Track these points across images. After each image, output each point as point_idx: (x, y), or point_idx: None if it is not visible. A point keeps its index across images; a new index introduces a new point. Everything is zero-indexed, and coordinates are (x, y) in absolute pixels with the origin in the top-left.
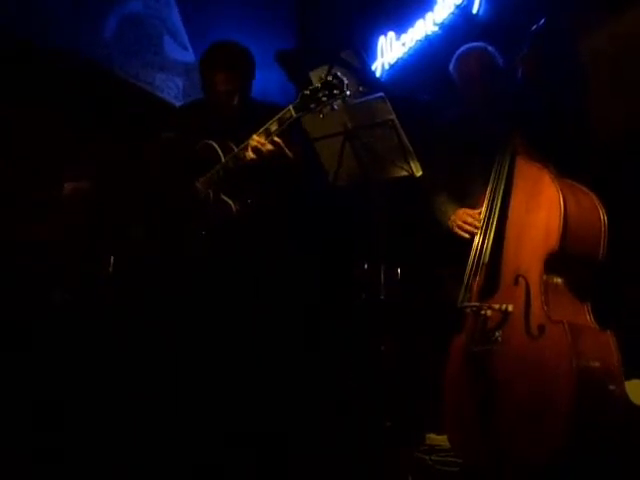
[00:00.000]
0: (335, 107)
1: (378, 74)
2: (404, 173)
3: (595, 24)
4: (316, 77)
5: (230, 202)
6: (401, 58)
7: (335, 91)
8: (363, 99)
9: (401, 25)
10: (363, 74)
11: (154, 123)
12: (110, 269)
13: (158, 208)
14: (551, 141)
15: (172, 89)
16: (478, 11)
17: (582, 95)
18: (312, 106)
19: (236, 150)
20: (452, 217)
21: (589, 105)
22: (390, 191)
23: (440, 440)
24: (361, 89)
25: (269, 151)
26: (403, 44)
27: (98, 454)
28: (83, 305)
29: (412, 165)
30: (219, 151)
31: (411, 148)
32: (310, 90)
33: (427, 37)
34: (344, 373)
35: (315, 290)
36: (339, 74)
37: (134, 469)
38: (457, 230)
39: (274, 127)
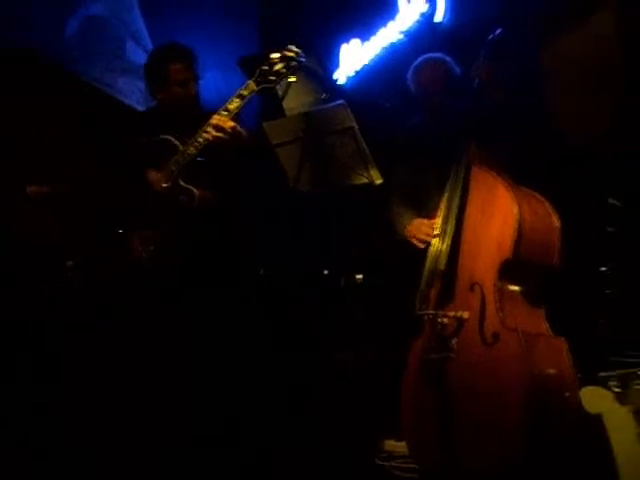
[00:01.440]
0: (294, 80)
1: (343, 81)
2: (364, 180)
3: (558, 30)
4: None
5: (192, 189)
6: (366, 65)
7: (292, 62)
8: (323, 106)
9: (366, 32)
10: (326, 81)
11: (116, 126)
12: (70, 274)
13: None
14: (508, 149)
15: (134, 93)
16: (442, 19)
17: (545, 101)
18: (271, 78)
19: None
20: (408, 227)
21: (554, 111)
22: (352, 197)
23: (399, 447)
24: (324, 96)
25: (231, 128)
26: (368, 51)
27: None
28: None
29: (372, 173)
30: (176, 142)
31: (370, 156)
32: (268, 64)
33: (392, 45)
34: (304, 378)
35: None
36: (295, 46)
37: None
38: (412, 240)
39: (235, 104)
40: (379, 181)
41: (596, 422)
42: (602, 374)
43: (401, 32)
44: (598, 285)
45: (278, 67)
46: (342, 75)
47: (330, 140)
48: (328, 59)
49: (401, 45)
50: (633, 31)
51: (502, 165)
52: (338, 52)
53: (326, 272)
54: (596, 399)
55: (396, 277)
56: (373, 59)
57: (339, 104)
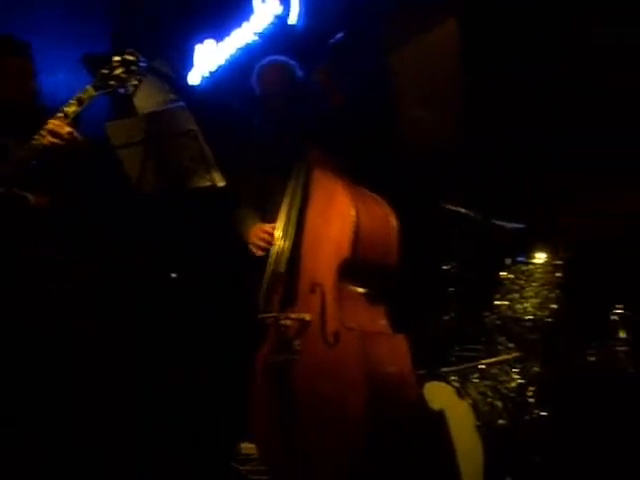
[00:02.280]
0: (135, 83)
1: (197, 81)
2: (207, 183)
3: (405, 37)
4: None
5: (27, 195)
6: (222, 66)
7: (132, 67)
8: (164, 107)
9: (220, 33)
10: (176, 82)
11: None
12: None
13: None
14: (348, 152)
15: None
16: (296, 22)
17: (390, 107)
18: (111, 83)
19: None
20: (248, 232)
21: (397, 117)
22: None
23: (254, 449)
24: (172, 97)
25: (68, 133)
26: (222, 52)
27: None
28: None
29: (214, 175)
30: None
31: (212, 159)
32: (108, 68)
33: (247, 46)
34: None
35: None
36: (134, 51)
37: None
38: (252, 247)
39: (72, 108)
40: (221, 184)
41: (439, 417)
42: (444, 369)
43: (255, 33)
44: (441, 283)
45: (118, 71)
46: (196, 76)
47: (171, 142)
48: (182, 59)
49: (256, 46)
50: (475, 39)
51: (342, 167)
52: (192, 52)
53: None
54: (438, 394)
55: (244, 280)
56: (228, 60)
57: (179, 106)
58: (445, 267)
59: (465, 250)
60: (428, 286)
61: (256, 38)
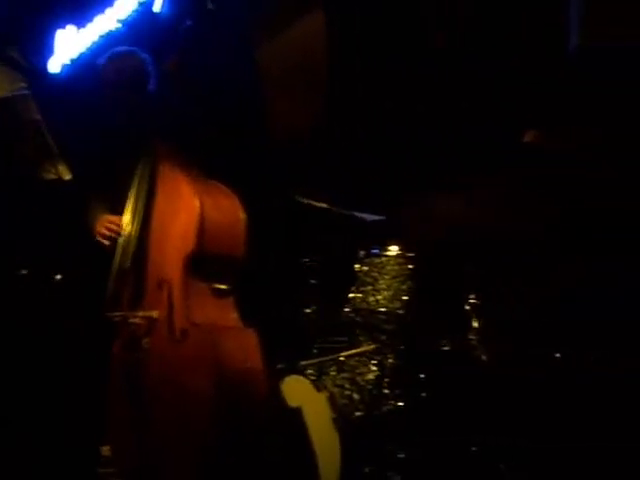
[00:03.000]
0: None
1: (58, 69)
2: (52, 176)
3: (271, 28)
4: None
5: None
6: (84, 53)
7: None
8: (7, 95)
9: (82, 19)
10: (28, 71)
11: None
12: None
13: None
14: (200, 146)
15: None
16: (161, 10)
17: (254, 99)
18: None
19: None
20: (95, 223)
21: (265, 108)
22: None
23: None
24: (22, 85)
25: None
26: (84, 39)
27: None
28: None
29: (60, 168)
30: None
31: (57, 151)
32: None
33: (110, 33)
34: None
35: None
36: None
37: None
38: (98, 237)
39: None
40: (68, 177)
41: (295, 413)
42: (303, 363)
43: (119, 20)
44: (301, 276)
45: None
46: (57, 63)
47: (15, 132)
48: (42, 46)
49: (119, 34)
50: (340, 32)
51: (191, 161)
52: (53, 39)
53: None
54: (296, 388)
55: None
56: (90, 48)
57: (23, 95)
58: (306, 260)
59: (325, 242)
60: (289, 279)
61: (119, 25)
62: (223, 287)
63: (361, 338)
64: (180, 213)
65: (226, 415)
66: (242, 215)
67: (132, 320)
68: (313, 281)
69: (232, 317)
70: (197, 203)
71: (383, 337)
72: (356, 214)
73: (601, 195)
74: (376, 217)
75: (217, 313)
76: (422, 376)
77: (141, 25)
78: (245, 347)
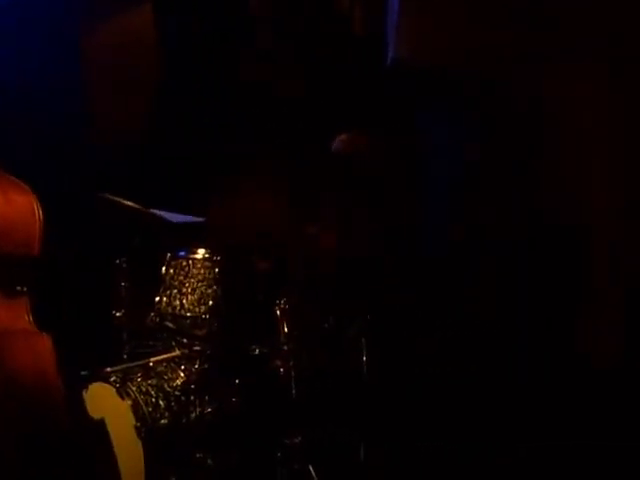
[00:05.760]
0: None
1: None
2: None
3: (98, 22)
4: None
5: None
6: None
7: None
8: None
9: None
10: None
11: None
12: None
13: None
14: None
15: None
16: None
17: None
18: None
19: None
20: None
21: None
22: None
23: None
24: None
25: None
26: None
27: None
28: None
29: None
30: None
31: None
32: None
33: None
34: None
35: None
36: None
37: None
38: None
39: None
40: None
41: (96, 423)
42: (108, 369)
43: None
44: (111, 278)
45: None
46: None
47: None
48: None
49: None
50: (168, 28)
51: None
52: None
53: None
54: (100, 396)
55: None
56: None
57: None
58: (117, 261)
59: (135, 243)
60: (99, 281)
61: None
62: (15, 288)
63: (173, 343)
64: None
65: (17, 420)
66: (38, 213)
67: None
68: (123, 283)
69: (24, 321)
70: None
71: (191, 342)
72: (164, 215)
73: None
74: (186, 219)
75: (6, 316)
76: (236, 381)
77: None
78: (38, 352)
